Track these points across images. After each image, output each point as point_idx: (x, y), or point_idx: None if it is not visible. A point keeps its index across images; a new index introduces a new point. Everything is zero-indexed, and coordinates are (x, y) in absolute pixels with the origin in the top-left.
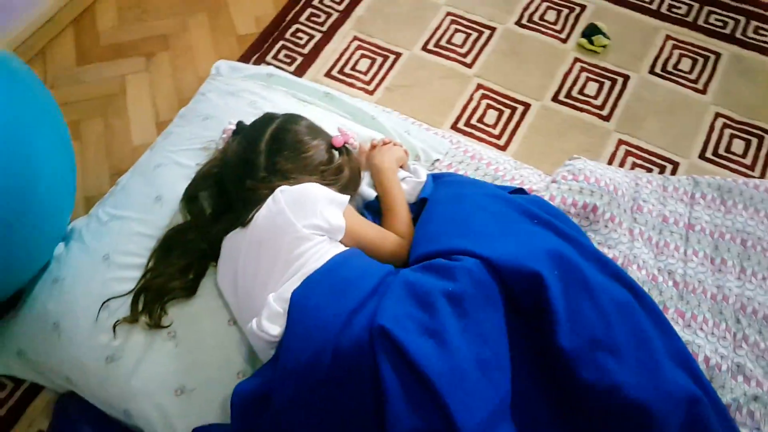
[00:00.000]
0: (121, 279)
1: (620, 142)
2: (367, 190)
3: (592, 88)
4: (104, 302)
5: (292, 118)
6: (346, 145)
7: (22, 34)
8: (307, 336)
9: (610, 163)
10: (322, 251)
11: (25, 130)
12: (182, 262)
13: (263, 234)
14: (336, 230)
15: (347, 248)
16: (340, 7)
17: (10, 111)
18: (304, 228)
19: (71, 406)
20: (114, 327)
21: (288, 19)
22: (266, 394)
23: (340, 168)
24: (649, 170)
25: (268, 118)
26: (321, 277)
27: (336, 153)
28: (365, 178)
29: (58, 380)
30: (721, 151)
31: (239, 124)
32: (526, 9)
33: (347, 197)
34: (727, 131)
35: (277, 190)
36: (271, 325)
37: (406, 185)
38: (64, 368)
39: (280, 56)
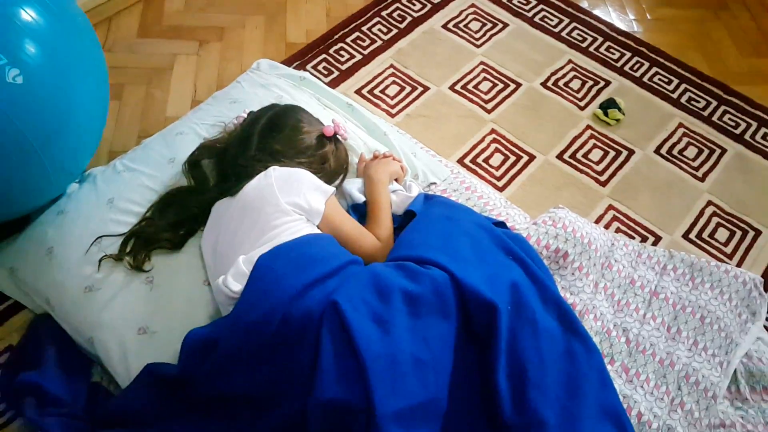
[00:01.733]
0: (119, 222)
1: (610, 207)
2: (357, 195)
3: (596, 155)
4: (98, 238)
5: (291, 107)
6: (337, 136)
7: (95, 1)
8: (262, 297)
9: (596, 223)
10: (297, 228)
11: (71, 72)
12: (176, 219)
13: (249, 202)
14: (314, 213)
15: (322, 232)
16: (386, 37)
17: (60, 51)
18: (285, 203)
19: (43, 327)
20: (100, 261)
21: (336, 37)
22: (214, 341)
23: (325, 156)
24: (631, 237)
25: (270, 106)
26: (289, 249)
27: (326, 142)
28: (357, 183)
29: (38, 300)
30: (705, 235)
31: (250, 113)
32: (554, 74)
33: (333, 189)
34: (715, 219)
35: (271, 168)
36: (234, 283)
37: (396, 197)
38: (46, 290)
39: (319, 67)
